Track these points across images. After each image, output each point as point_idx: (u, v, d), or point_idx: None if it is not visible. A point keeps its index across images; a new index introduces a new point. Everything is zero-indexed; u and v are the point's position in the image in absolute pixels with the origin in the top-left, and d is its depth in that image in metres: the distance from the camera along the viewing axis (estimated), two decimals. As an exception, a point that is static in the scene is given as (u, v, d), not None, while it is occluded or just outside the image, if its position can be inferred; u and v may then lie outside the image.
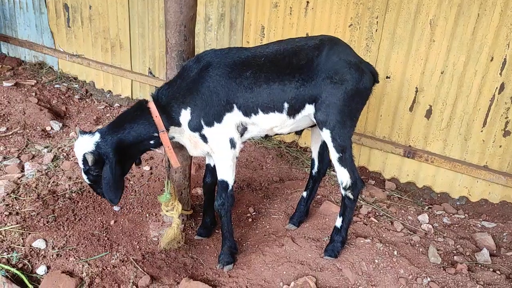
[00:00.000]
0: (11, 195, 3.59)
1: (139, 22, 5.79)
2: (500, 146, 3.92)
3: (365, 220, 3.70)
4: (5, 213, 3.33)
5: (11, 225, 3.22)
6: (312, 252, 3.22)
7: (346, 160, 2.95)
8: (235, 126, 2.85)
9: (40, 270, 2.91)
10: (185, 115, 2.82)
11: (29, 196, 3.61)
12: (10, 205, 3.46)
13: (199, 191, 4.01)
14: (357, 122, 3.00)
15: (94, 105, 6.10)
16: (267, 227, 3.62)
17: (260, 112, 2.82)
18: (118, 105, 6.19)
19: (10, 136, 4.76)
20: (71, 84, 6.55)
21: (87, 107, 6.00)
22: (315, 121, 2.90)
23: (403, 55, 4.15)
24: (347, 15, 4.35)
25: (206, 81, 2.76)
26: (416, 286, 2.93)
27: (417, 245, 3.41)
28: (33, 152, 4.46)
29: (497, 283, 2.99)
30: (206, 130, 2.82)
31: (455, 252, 3.40)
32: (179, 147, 3.14)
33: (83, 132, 2.86)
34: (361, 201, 3.98)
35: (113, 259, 3.08)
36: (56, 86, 6.38)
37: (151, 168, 4.32)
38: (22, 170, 4.09)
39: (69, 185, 3.86)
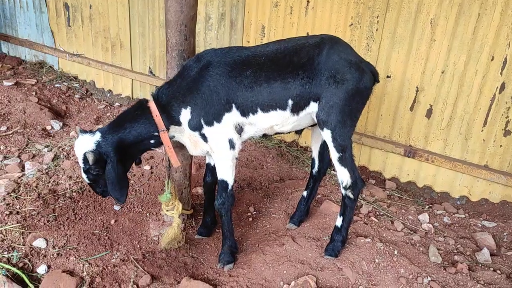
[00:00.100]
0: (12, 194, 3.59)
1: (139, 21, 5.79)
2: (501, 146, 3.92)
3: (365, 220, 3.70)
4: (5, 212, 3.33)
5: (12, 224, 3.23)
6: (313, 252, 3.22)
7: (347, 159, 2.95)
8: (234, 126, 2.85)
9: (41, 269, 2.91)
10: (185, 114, 2.82)
11: (30, 196, 3.61)
12: (11, 204, 3.46)
13: (200, 190, 4.01)
14: (357, 121, 3.00)
15: (95, 104, 6.10)
16: (268, 226, 3.62)
17: (260, 111, 2.82)
18: (119, 104, 6.19)
19: (11, 136, 4.76)
20: (72, 84, 6.55)
21: (87, 107, 6.00)
22: (316, 120, 2.90)
23: (404, 54, 4.14)
24: (348, 15, 4.35)
25: (206, 80, 2.76)
26: (417, 286, 2.93)
27: (418, 245, 3.41)
28: (34, 151, 4.46)
29: (497, 283, 2.99)
30: (206, 130, 2.82)
31: (455, 251, 3.40)
32: (179, 147, 3.14)
33: (84, 131, 2.86)
34: (362, 201, 3.98)
35: (113, 258, 3.08)
36: (56, 85, 6.38)
37: (151, 168, 4.32)
38: (23, 169, 4.09)
39: (69, 185, 3.86)
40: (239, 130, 2.89)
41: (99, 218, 3.52)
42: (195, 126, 2.82)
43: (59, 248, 3.08)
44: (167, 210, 3.19)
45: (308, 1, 4.53)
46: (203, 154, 3.09)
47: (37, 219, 3.35)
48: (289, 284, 2.89)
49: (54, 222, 3.36)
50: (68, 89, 6.35)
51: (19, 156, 4.32)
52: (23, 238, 3.13)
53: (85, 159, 2.78)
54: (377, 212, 3.86)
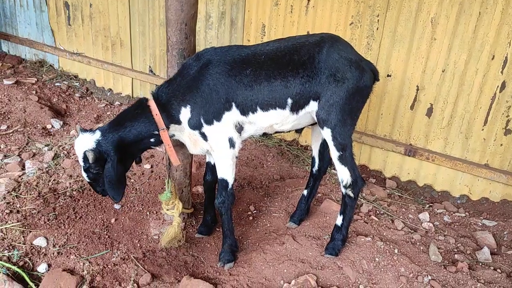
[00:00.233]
0: (12, 193, 3.60)
1: (139, 20, 5.78)
2: (501, 145, 3.91)
3: (365, 219, 3.70)
4: (6, 211, 3.34)
5: (12, 223, 3.23)
6: (313, 250, 3.22)
7: (347, 158, 2.94)
8: (233, 125, 2.85)
9: (41, 268, 2.91)
10: (185, 113, 2.81)
11: (30, 194, 3.61)
12: (11, 203, 3.46)
13: (200, 189, 4.01)
14: (357, 120, 3.00)
15: (95, 103, 6.10)
16: (268, 225, 3.62)
17: (259, 110, 2.82)
18: (119, 103, 6.19)
19: (11, 134, 4.76)
20: (72, 82, 6.55)
21: (87, 105, 6.00)
22: (316, 119, 2.90)
23: (404, 53, 4.14)
24: (348, 13, 4.35)
25: (206, 79, 2.76)
26: (417, 285, 2.93)
27: (418, 244, 3.41)
28: (34, 150, 4.46)
29: (497, 282, 2.99)
30: (205, 128, 2.82)
31: (455, 250, 3.40)
32: (179, 145, 3.14)
33: (84, 130, 2.86)
34: (362, 200, 3.98)
35: (114, 257, 3.08)
36: (56, 84, 6.38)
37: (151, 166, 4.32)
38: (23, 168, 4.09)
39: (69, 183, 3.86)
40: (239, 129, 2.89)
41: (100, 217, 3.52)
42: (195, 125, 2.82)
43: (59, 246, 3.09)
44: (168, 209, 3.19)
45: (308, 0, 4.53)
46: (203, 153, 3.09)
47: (38, 217, 3.35)
48: (290, 283, 2.89)
49: (54, 221, 3.36)
50: (68, 88, 6.35)
51: (19, 155, 4.32)
52: (23, 236, 3.13)
53: (85, 158, 2.78)
54: (377, 211, 3.86)
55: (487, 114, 3.91)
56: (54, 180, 3.91)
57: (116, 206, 3.68)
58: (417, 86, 4.16)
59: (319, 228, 3.53)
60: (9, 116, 5.13)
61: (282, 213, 3.76)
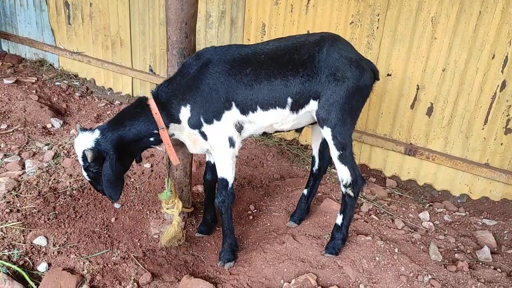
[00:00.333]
0: (12, 192, 3.60)
1: (139, 19, 5.78)
2: (502, 144, 3.91)
3: (366, 218, 3.70)
4: (6, 210, 3.34)
5: (12, 222, 3.23)
6: (313, 250, 3.22)
7: (347, 157, 2.94)
8: (233, 124, 2.84)
9: (41, 267, 2.91)
10: (185, 112, 2.81)
11: (30, 194, 3.61)
12: (11, 203, 3.46)
13: (200, 188, 4.01)
14: (357, 119, 3.00)
15: (95, 102, 6.10)
16: (268, 224, 3.62)
17: (259, 109, 2.81)
18: (119, 102, 6.19)
19: (11, 134, 4.76)
20: (72, 82, 6.55)
21: (87, 105, 6.00)
22: (316, 118, 2.90)
23: (405, 52, 4.13)
24: (348, 13, 4.34)
25: (205, 78, 2.75)
26: (417, 284, 2.93)
27: (418, 243, 3.41)
28: (34, 149, 4.46)
29: (498, 281, 2.99)
30: (205, 128, 2.82)
31: (456, 249, 3.40)
32: (179, 145, 3.14)
33: (83, 129, 2.86)
34: (362, 199, 3.98)
35: (114, 256, 3.08)
36: (56, 83, 6.38)
37: (151, 166, 4.32)
38: (23, 167, 4.09)
39: (70, 183, 3.86)
40: (239, 128, 2.89)
41: (100, 216, 3.52)
42: (195, 124, 2.82)
43: (59, 246, 3.09)
44: (167, 208, 3.19)
45: (308, -1, 4.53)
46: (203, 152, 3.09)
47: (38, 217, 3.35)
48: (290, 282, 2.89)
49: (54, 220, 3.36)
50: (69, 87, 6.35)
51: (19, 154, 4.32)
52: (23, 236, 3.13)
53: (84, 157, 2.78)
54: (377, 210, 3.86)
55: (487, 113, 3.91)
56: (54, 179, 3.91)
57: (116, 205, 3.68)
58: (418, 85, 4.16)
59: (319, 228, 3.52)
60: (9, 115, 5.13)
61: (282, 212, 3.76)
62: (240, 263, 3.12)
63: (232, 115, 2.81)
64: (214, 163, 3.16)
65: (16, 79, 6.10)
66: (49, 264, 2.95)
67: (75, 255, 3.01)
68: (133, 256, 3.09)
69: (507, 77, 3.74)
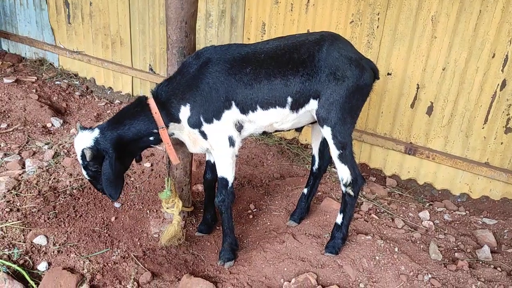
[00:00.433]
0: (12, 191, 3.60)
1: (139, 18, 5.78)
2: (502, 143, 3.91)
3: (366, 217, 3.70)
4: (6, 209, 3.34)
5: (12, 221, 3.23)
6: (313, 249, 3.22)
7: (347, 157, 2.94)
8: (233, 124, 2.84)
9: (41, 266, 2.92)
10: (185, 112, 2.81)
11: (30, 193, 3.61)
12: (11, 202, 3.46)
13: (200, 187, 4.01)
14: (357, 118, 2.99)
15: (95, 101, 6.10)
16: (268, 223, 3.62)
17: (259, 109, 2.81)
18: (119, 101, 6.18)
19: (11, 133, 4.76)
20: (72, 81, 6.55)
21: (87, 104, 6.00)
22: (316, 117, 2.89)
23: (405, 51, 4.13)
24: (348, 12, 4.34)
25: (205, 77, 2.75)
26: (417, 283, 2.93)
27: (418, 242, 3.41)
28: (34, 148, 4.46)
29: (498, 280, 2.99)
30: (205, 127, 2.81)
31: (456, 249, 3.40)
32: (179, 144, 3.14)
33: (83, 128, 2.86)
34: (362, 198, 3.98)
35: (114, 255, 3.08)
36: (56, 82, 6.38)
37: (151, 165, 4.32)
38: (23, 166, 4.09)
39: (70, 182, 3.86)
40: (239, 127, 2.89)
41: (100, 215, 3.52)
42: (195, 124, 2.82)
43: (59, 245, 3.09)
44: (167, 208, 3.19)
45: (308, -2, 4.52)
46: (203, 152, 3.09)
47: (38, 216, 3.35)
48: (290, 281, 2.89)
49: (54, 219, 3.36)
50: (68, 86, 6.34)
51: (19, 154, 4.32)
52: (23, 235, 3.13)
53: (83, 155, 2.78)
54: (377, 210, 3.86)
55: (487, 112, 3.90)
56: (54, 178, 3.91)
57: (116, 205, 3.68)
58: (418, 84, 4.15)
59: (319, 227, 3.52)
60: (9, 114, 5.13)
61: (282, 211, 3.76)
62: (240, 262, 3.12)
63: (232, 114, 2.80)
64: (214, 162, 3.16)
65: (16, 78, 6.10)
66: (49, 263, 2.95)
67: (75, 254, 3.01)
68: (133, 255, 3.09)
69: (507, 76, 3.74)
